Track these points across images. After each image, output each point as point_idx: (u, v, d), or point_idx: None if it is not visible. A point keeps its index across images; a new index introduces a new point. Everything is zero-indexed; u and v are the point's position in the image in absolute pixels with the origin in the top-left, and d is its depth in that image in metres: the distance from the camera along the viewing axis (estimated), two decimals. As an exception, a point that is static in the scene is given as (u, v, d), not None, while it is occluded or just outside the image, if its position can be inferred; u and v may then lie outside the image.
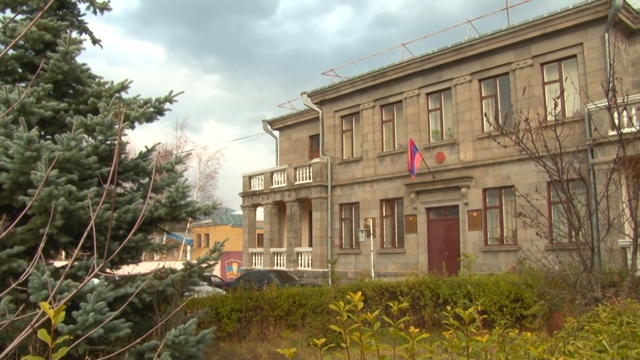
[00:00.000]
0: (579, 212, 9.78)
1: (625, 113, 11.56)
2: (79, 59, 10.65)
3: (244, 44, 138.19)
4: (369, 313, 2.54)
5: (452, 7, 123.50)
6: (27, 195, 8.21)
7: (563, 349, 3.53)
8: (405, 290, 14.06)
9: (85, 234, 2.18)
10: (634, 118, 14.68)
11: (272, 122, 32.76)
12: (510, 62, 20.30)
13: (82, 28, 11.45)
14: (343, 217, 26.53)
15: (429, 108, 23.29)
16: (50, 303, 1.81)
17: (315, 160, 27.29)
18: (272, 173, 29.06)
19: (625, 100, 10.12)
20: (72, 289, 7.45)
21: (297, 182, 27.35)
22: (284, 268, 27.18)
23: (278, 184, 28.50)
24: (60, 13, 11.23)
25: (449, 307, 3.24)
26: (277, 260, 28.30)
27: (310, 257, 26.64)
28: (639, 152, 13.76)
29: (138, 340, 3.41)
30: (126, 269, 11.38)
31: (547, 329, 10.05)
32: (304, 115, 30.46)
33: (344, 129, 27.20)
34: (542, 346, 2.96)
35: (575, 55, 18.83)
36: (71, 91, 10.70)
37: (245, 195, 30.35)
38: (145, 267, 20.18)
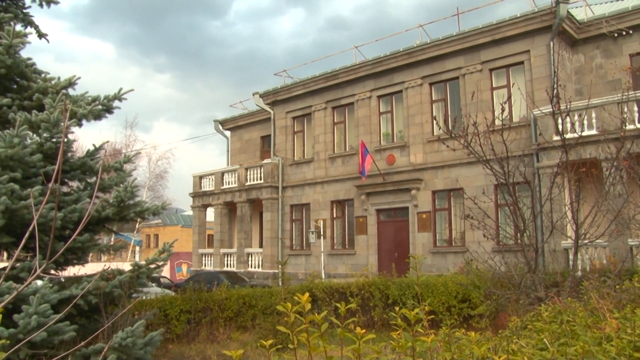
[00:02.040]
0: (524, 215, 10.05)
1: (568, 119, 11.93)
2: (24, 53, 10.32)
3: (196, 44, 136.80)
4: (318, 314, 2.55)
5: (404, 13, 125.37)
6: (-34, 194, 7.91)
7: (506, 348, 3.62)
8: (355, 291, 14.15)
9: (27, 234, 2.12)
10: (577, 124, 15.18)
11: (223, 122, 32.49)
12: (460, 67, 20.70)
13: (28, 21, 11.11)
14: (294, 218, 26.52)
15: (380, 110, 23.53)
16: (-11, 305, 1.75)
17: (266, 161, 27.19)
18: (222, 173, 28.82)
19: (568, 106, 10.46)
20: (13, 291, 7.22)
21: (248, 183, 27.20)
22: (234, 269, 26.95)
23: (229, 184, 28.28)
24: (4, 4, 10.86)
25: (397, 308, 3.28)
26: (228, 261, 28.07)
27: (260, 258, 26.53)
28: (581, 157, 14.25)
29: (83, 343, 3.33)
30: (72, 270, 11.10)
31: (493, 328, 10.26)
32: (256, 116, 30.32)
33: (295, 130, 27.20)
34: (485, 345, 3.03)
35: (522, 62, 19.35)
36: (15, 86, 10.35)
37: (195, 195, 30.01)
38: (92, 268, 19.65)
